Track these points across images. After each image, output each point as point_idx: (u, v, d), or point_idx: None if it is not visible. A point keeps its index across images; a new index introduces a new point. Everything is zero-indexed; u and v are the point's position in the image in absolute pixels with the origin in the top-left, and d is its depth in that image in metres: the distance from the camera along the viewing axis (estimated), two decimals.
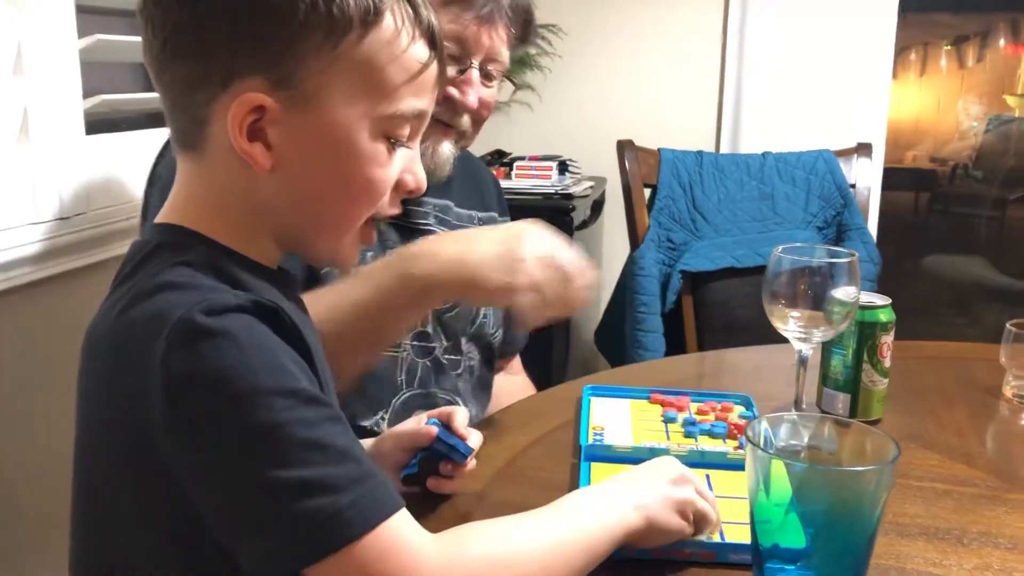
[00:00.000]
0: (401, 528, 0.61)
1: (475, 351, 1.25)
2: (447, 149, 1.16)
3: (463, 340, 1.22)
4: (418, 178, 0.74)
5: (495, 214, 1.34)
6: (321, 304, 0.89)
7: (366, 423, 1.11)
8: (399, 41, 0.68)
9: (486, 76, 1.17)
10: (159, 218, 0.71)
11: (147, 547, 0.64)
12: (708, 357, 1.58)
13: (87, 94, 1.37)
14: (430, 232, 1.20)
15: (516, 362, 1.45)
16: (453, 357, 1.21)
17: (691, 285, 2.06)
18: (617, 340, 2.14)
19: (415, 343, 1.16)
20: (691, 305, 2.06)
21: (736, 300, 2.03)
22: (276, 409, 0.58)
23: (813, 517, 0.69)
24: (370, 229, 0.74)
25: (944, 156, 7.13)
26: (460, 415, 0.91)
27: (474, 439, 0.90)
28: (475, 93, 1.15)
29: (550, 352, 2.28)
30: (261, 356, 0.60)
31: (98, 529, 0.68)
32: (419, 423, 0.92)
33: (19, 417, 1.22)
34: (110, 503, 0.66)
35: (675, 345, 2.05)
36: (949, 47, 7.37)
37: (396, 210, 0.75)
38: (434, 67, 0.72)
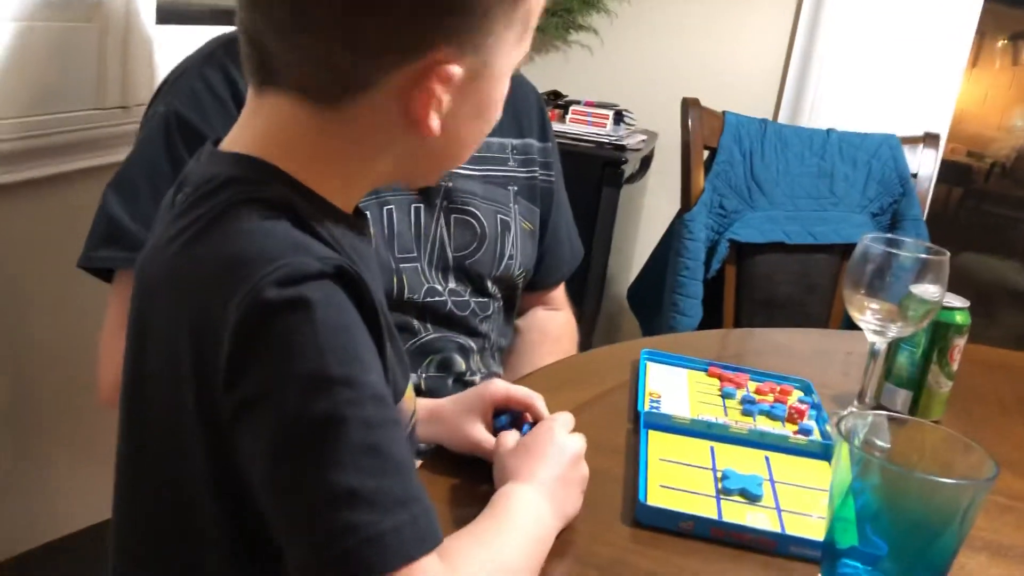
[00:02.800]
0: (433, 570, 0.56)
1: (499, 291, 1.21)
2: None
3: (488, 283, 1.18)
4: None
5: (533, 140, 1.24)
6: None
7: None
8: None
9: None
10: (227, 145, 0.65)
11: (208, 505, 0.61)
12: (759, 334, 1.55)
13: None
14: (449, 172, 1.13)
15: (559, 294, 1.38)
16: (480, 299, 1.17)
17: (736, 255, 2.02)
18: (652, 301, 2.12)
19: (451, 298, 1.13)
20: (734, 275, 2.02)
21: (780, 276, 2.00)
22: (340, 402, 0.54)
23: (899, 524, 0.67)
24: None
25: (983, 152, 7.02)
26: (539, 407, 0.87)
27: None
28: None
29: (581, 303, 2.25)
30: (334, 337, 0.55)
31: (151, 467, 0.65)
32: (485, 405, 0.87)
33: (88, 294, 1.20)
34: (167, 450, 0.62)
35: (711, 313, 2.02)
36: (1005, 41, 7.20)
37: None
38: None
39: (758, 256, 2.01)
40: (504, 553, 0.65)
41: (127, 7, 1.26)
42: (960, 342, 1.07)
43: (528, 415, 0.87)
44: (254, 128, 0.65)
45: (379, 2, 0.59)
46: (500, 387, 0.87)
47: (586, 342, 1.67)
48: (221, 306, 0.55)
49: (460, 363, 1.14)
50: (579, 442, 0.80)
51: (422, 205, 1.12)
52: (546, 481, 0.74)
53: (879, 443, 0.74)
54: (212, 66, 1.02)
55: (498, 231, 1.17)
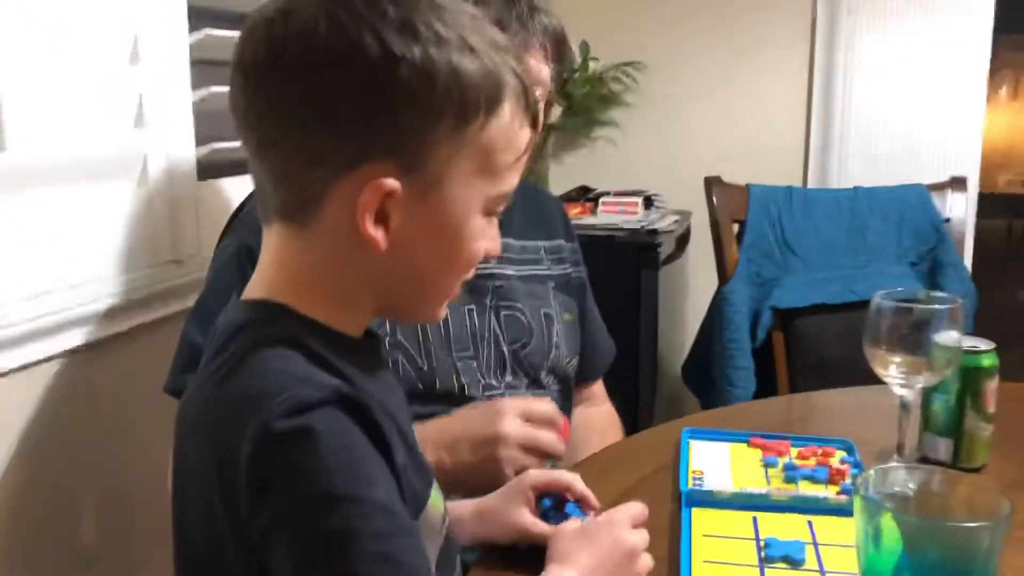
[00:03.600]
0: None
1: (554, 382, 1.26)
2: None
3: (543, 374, 1.24)
4: (496, 243, 0.76)
5: (562, 241, 1.34)
6: None
7: None
8: (513, 125, 0.70)
9: None
10: (247, 294, 0.72)
11: None
12: (804, 399, 1.57)
13: (199, 142, 1.44)
14: (493, 273, 1.21)
15: (598, 388, 1.44)
16: (537, 391, 1.23)
17: (781, 322, 2.04)
18: (705, 376, 2.14)
19: (508, 392, 1.19)
20: (782, 342, 2.04)
21: (828, 337, 2.01)
22: (349, 517, 0.59)
23: (924, 572, 0.69)
24: (459, 288, 0.76)
25: None
26: (580, 487, 0.91)
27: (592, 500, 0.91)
28: None
29: (637, 389, 2.29)
30: (339, 458, 0.60)
31: None
32: (525, 492, 0.91)
33: (151, 448, 1.28)
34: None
35: (766, 382, 2.04)
36: None
37: None
38: (531, 145, 0.74)
39: (803, 320, 2.03)
40: None
41: (169, 169, 1.37)
42: (992, 384, 1.08)
43: (569, 495, 0.91)
44: (264, 266, 0.72)
45: (318, 115, 0.65)
46: (538, 473, 0.92)
47: (647, 425, 1.70)
48: (239, 440, 0.60)
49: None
50: (638, 537, 0.82)
51: (474, 307, 1.20)
52: (588, 567, 0.77)
53: (936, 501, 0.76)
54: None
55: (543, 324, 1.25)
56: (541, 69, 1.17)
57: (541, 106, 1.19)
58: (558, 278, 1.31)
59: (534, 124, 0.74)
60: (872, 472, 0.74)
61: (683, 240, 2.63)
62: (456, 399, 1.14)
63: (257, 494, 0.60)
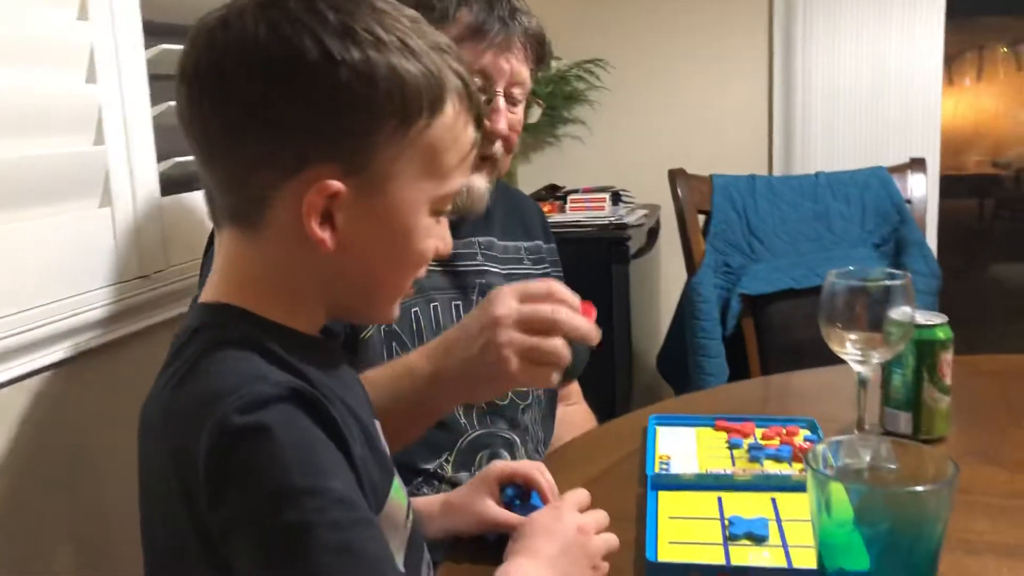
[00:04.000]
0: None
1: None
2: (481, 184, 1.19)
3: None
4: (447, 243, 0.78)
5: (540, 242, 1.37)
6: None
7: (428, 466, 1.14)
8: (457, 124, 0.72)
9: (511, 100, 1.20)
10: (203, 297, 0.74)
11: None
12: (771, 381, 1.59)
13: (161, 157, 1.45)
14: (480, 270, 1.24)
15: (574, 390, 1.47)
16: (521, 390, 1.24)
17: (751, 308, 2.07)
18: (679, 366, 2.16)
19: None
20: (752, 328, 2.07)
21: (797, 321, 2.04)
22: (307, 510, 0.60)
23: (875, 538, 0.71)
24: (411, 287, 0.77)
25: (1007, 161, 6.98)
26: (539, 477, 0.93)
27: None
28: (504, 119, 1.18)
29: (614, 381, 2.31)
30: (294, 452, 0.61)
31: None
32: (490, 483, 0.93)
33: (115, 473, 1.29)
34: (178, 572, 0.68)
35: (739, 369, 2.06)
36: (1006, 49, 7.24)
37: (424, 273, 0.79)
38: (477, 144, 0.76)
39: (772, 306, 2.05)
40: None
41: (132, 185, 1.38)
42: (947, 356, 1.11)
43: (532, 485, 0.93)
44: (217, 270, 0.74)
45: (260, 120, 0.66)
46: (502, 464, 0.94)
47: None
48: (196, 438, 0.62)
49: (507, 457, 1.20)
50: (586, 519, 0.84)
51: (460, 302, 1.22)
52: (549, 556, 0.79)
53: (886, 469, 0.78)
54: None
55: None
56: (521, 70, 1.19)
57: (521, 107, 1.23)
58: (538, 278, 1.32)
59: (478, 123, 0.76)
60: (822, 445, 0.76)
61: (654, 233, 2.66)
62: None
63: (215, 491, 0.61)
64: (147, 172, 1.41)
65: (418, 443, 1.10)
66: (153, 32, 1.41)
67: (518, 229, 1.34)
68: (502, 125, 1.18)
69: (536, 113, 1.33)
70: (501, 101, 1.18)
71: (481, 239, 1.27)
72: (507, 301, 0.92)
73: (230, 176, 0.70)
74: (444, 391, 0.95)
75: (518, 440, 1.22)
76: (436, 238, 0.75)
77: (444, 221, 0.77)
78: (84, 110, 1.29)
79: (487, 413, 1.21)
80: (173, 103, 1.46)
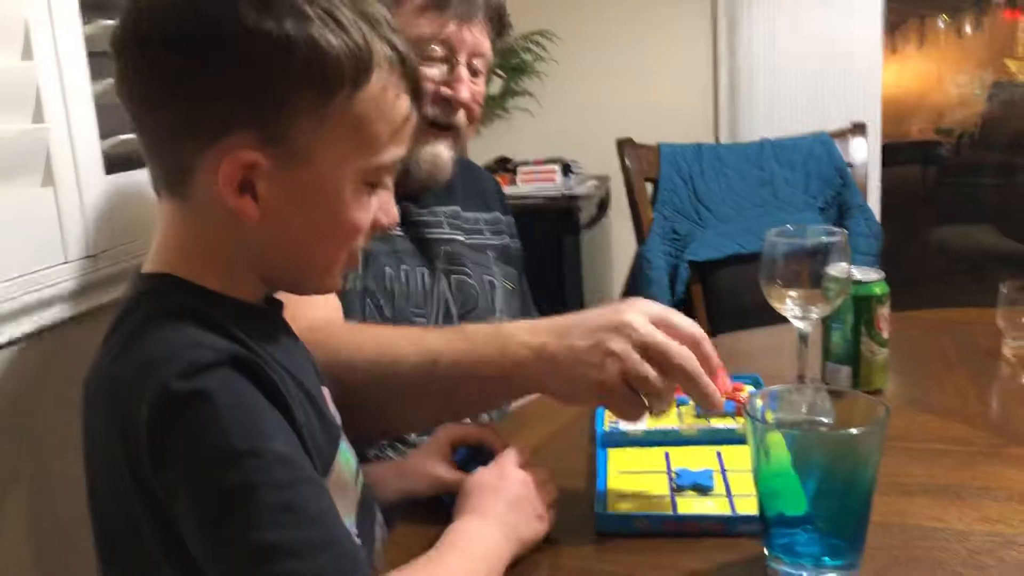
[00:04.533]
0: None
1: None
2: (445, 152, 1.21)
3: None
4: (391, 216, 0.77)
5: (498, 213, 1.40)
6: (394, 349, 0.91)
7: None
8: (386, 96, 0.71)
9: (472, 71, 1.21)
10: (144, 267, 0.74)
11: None
12: (719, 341, 1.61)
13: (104, 135, 1.43)
14: (445, 239, 1.26)
15: None
16: None
17: (699, 274, 2.10)
18: None
19: None
20: (701, 294, 2.11)
21: (744, 285, 2.06)
22: (249, 471, 0.61)
23: (811, 482, 0.74)
24: (353, 257, 0.77)
25: (950, 127, 7.13)
26: (492, 437, 0.95)
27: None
28: (467, 88, 1.19)
29: None
30: (235, 415, 0.62)
31: (117, 553, 0.72)
32: (442, 445, 0.96)
33: (63, 453, 1.28)
34: (132, 548, 0.69)
35: None
36: (947, 18, 7.37)
37: (367, 244, 0.78)
38: (414, 117, 0.75)
39: (719, 271, 2.09)
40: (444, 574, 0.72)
41: (75, 164, 1.36)
42: (884, 311, 1.15)
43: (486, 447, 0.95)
44: (156, 239, 0.75)
45: (179, 89, 0.67)
46: (454, 427, 0.96)
47: None
48: (137, 405, 0.63)
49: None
50: (526, 473, 0.87)
51: (426, 269, 1.23)
52: (494, 511, 0.81)
53: (822, 416, 0.81)
54: None
55: (487, 290, 1.30)
56: (482, 41, 1.20)
57: (483, 78, 1.24)
58: (498, 248, 1.36)
59: (414, 95, 0.75)
60: (759, 396, 0.79)
61: (604, 203, 2.68)
62: None
63: (158, 457, 0.62)
64: (90, 150, 1.39)
65: None
66: (90, 7, 1.39)
67: (478, 201, 1.37)
68: (465, 94, 1.19)
69: (496, 84, 1.35)
70: (463, 71, 1.19)
71: (446, 208, 1.28)
72: (641, 314, 0.85)
73: (156, 144, 0.71)
74: (530, 375, 0.86)
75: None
76: (375, 210, 0.75)
77: (387, 193, 0.77)
78: (21, 88, 1.27)
79: None
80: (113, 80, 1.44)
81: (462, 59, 1.19)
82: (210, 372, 0.63)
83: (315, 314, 0.96)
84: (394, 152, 0.74)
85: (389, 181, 0.77)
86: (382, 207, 0.76)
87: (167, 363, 0.63)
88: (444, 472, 0.92)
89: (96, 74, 1.40)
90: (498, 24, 1.23)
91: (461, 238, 1.29)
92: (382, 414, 0.92)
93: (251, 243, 0.71)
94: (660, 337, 0.83)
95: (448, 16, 1.16)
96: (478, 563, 0.75)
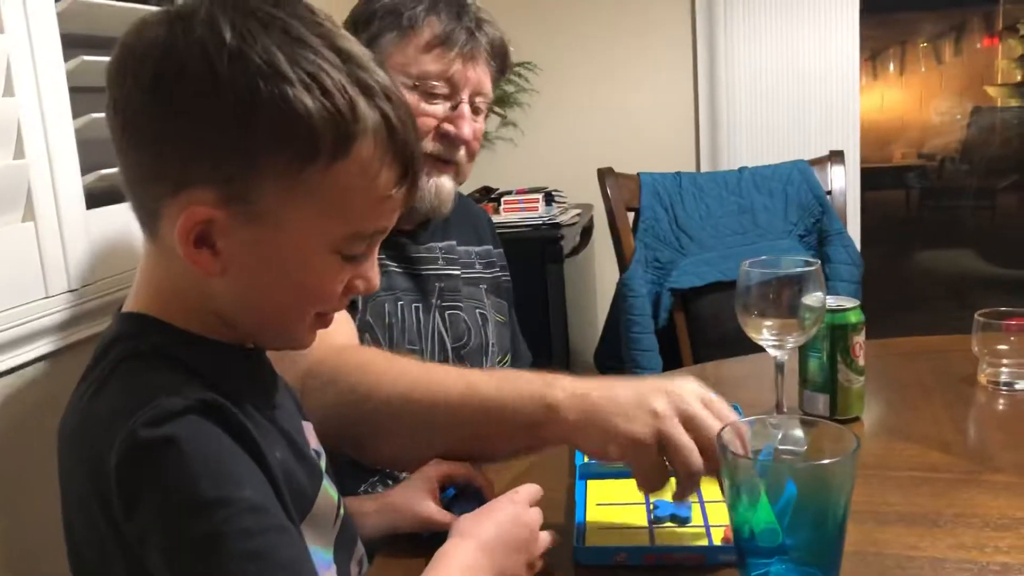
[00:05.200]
0: None
1: None
2: (448, 184, 1.23)
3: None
4: (369, 283, 0.74)
5: (490, 247, 1.42)
6: (433, 382, 0.90)
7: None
8: (371, 168, 0.67)
9: (474, 110, 1.24)
10: (124, 306, 0.74)
11: None
12: (698, 370, 1.63)
13: (86, 170, 1.44)
14: (440, 275, 1.27)
15: None
16: None
17: (682, 302, 2.12)
18: (615, 361, 2.20)
19: None
20: (684, 321, 2.12)
21: (726, 313, 2.07)
22: (217, 520, 0.61)
23: (785, 512, 0.75)
24: (324, 317, 0.75)
25: (931, 151, 7.21)
26: (479, 478, 0.95)
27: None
28: (469, 126, 1.21)
29: None
30: (203, 463, 0.62)
31: None
32: (430, 482, 0.94)
33: (44, 489, 1.28)
34: None
35: (672, 362, 2.11)
36: (926, 44, 7.47)
37: (342, 307, 0.76)
38: (404, 188, 0.71)
39: (702, 299, 2.10)
40: None
41: (56, 199, 1.37)
42: (859, 339, 1.16)
43: (472, 484, 0.95)
44: (137, 280, 0.74)
45: (148, 133, 0.66)
46: (440, 464, 0.95)
47: None
48: (108, 451, 0.63)
49: None
50: (537, 514, 0.85)
51: (420, 304, 1.25)
52: (488, 539, 0.79)
53: (795, 446, 0.82)
54: None
55: (479, 323, 1.32)
56: (485, 80, 1.23)
57: (482, 116, 1.26)
58: (489, 281, 1.38)
59: (404, 167, 0.70)
60: (731, 427, 0.79)
61: (587, 232, 2.70)
62: None
63: (128, 503, 0.62)
64: (71, 185, 1.40)
65: None
66: (73, 44, 1.40)
67: (471, 234, 1.39)
68: (467, 131, 1.21)
69: (494, 125, 1.38)
70: (466, 108, 1.21)
71: (441, 244, 1.30)
72: (691, 388, 0.86)
73: (129, 183, 0.70)
74: (567, 419, 0.85)
75: None
76: (350, 277, 0.73)
77: (370, 261, 0.74)
78: (2, 123, 1.28)
79: None
80: (95, 115, 1.45)
81: (465, 97, 1.21)
82: (179, 419, 0.63)
83: (333, 341, 0.95)
84: (375, 224, 0.71)
85: (373, 249, 0.74)
86: (361, 274, 0.73)
87: (136, 410, 0.63)
88: (434, 512, 0.90)
89: (78, 110, 1.41)
90: (500, 64, 1.26)
91: (456, 272, 1.31)
92: (405, 444, 0.92)
93: (216, 294, 0.70)
94: (704, 411, 0.83)
95: (454, 55, 1.18)
96: None
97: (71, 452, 0.70)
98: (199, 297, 0.71)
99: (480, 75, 1.22)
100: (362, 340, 1.15)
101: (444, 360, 1.25)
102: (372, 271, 0.74)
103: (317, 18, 0.68)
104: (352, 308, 1.15)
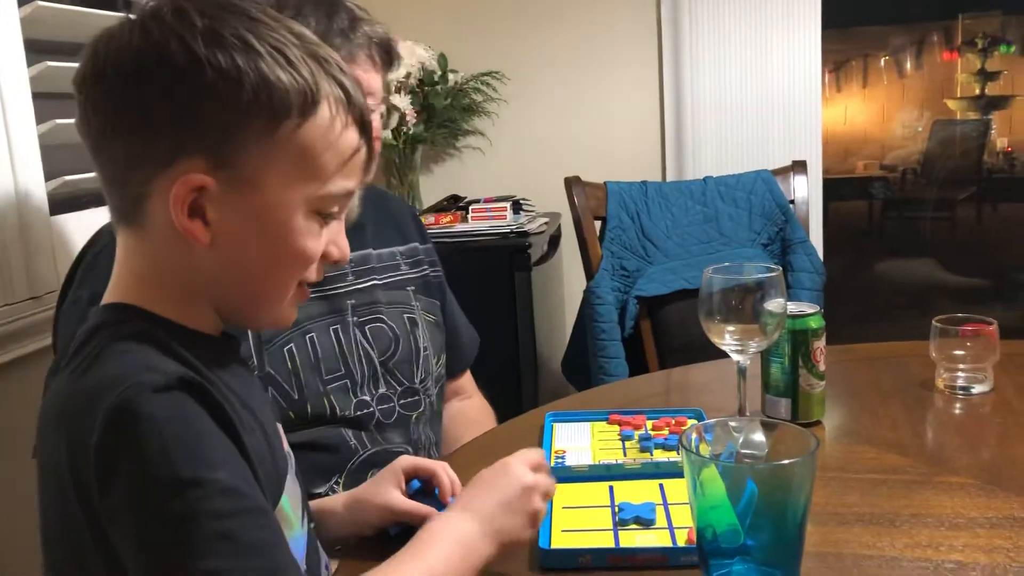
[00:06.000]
0: None
1: (432, 385, 1.30)
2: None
3: (416, 380, 1.27)
4: (342, 249, 0.80)
5: (416, 244, 1.38)
6: None
7: (320, 490, 1.14)
8: (334, 128, 0.74)
9: None
10: (104, 298, 0.76)
11: None
12: (664, 376, 1.65)
13: (49, 176, 1.43)
14: (352, 291, 1.24)
15: (467, 382, 1.48)
16: (411, 399, 1.26)
17: (647, 310, 2.14)
18: (582, 368, 2.21)
19: (378, 407, 1.22)
20: (649, 329, 2.14)
21: (692, 320, 2.08)
22: (190, 499, 0.62)
23: (745, 512, 0.76)
24: (302, 289, 0.79)
25: (893, 163, 7.32)
26: (442, 475, 0.95)
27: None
28: None
29: (519, 387, 2.35)
30: (181, 442, 0.63)
31: None
32: (397, 474, 0.95)
33: (13, 487, 1.26)
34: (72, 561, 0.69)
35: (638, 369, 2.13)
36: (888, 58, 7.60)
37: (319, 277, 0.79)
38: (363, 150, 0.78)
39: (667, 307, 2.13)
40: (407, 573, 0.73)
41: (19, 205, 1.36)
42: (819, 344, 1.18)
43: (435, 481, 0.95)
44: (115, 270, 0.76)
45: (133, 120, 0.70)
46: (407, 458, 0.97)
47: None
48: (89, 427, 0.64)
49: None
50: (533, 477, 0.85)
51: (338, 325, 1.22)
52: (481, 507, 0.82)
53: (757, 448, 0.83)
54: None
55: (408, 329, 1.28)
56: (371, 79, 1.20)
57: (377, 114, 1.24)
58: (417, 281, 1.34)
59: (362, 129, 0.78)
60: (694, 430, 0.81)
61: (555, 240, 2.71)
62: (328, 420, 1.17)
63: (103, 478, 0.63)
64: (34, 192, 1.39)
65: (307, 469, 1.06)
66: (36, 50, 1.39)
67: (392, 234, 1.35)
68: None
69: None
70: None
71: (352, 255, 1.27)
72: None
73: (112, 175, 0.74)
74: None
75: (411, 451, 1.24)
76: (326, 241, 0.77)
77: (339, 225, 0.79)
78: None
79: (382, 431, 1.22)
80: (59, 121, 1.44)
81: None
82: (157, 396, 0.64)
83: None
84: (343, 183, 0.76)
85: (341, 214, 0.79)
86: (333, 239, 0.78)
87: (117, 386, 0.64)
88: (399, 502, 0.92)
89: (41, 116, 1.40)
90: (386, 57, 1.22)
91: (375, 281, 1.28)
92: None
93: (203, 269, 0.73)
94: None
95: None
96: (446, 563, 0.76)
97: (55, 431, 0.69)
98: (184, 276, 0.74)
99: (361, 75, 1.18)
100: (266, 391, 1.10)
101: (374, 376, 1.22)
102: (342, 236, 0.80)
103: (267, 8, 0.75)
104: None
